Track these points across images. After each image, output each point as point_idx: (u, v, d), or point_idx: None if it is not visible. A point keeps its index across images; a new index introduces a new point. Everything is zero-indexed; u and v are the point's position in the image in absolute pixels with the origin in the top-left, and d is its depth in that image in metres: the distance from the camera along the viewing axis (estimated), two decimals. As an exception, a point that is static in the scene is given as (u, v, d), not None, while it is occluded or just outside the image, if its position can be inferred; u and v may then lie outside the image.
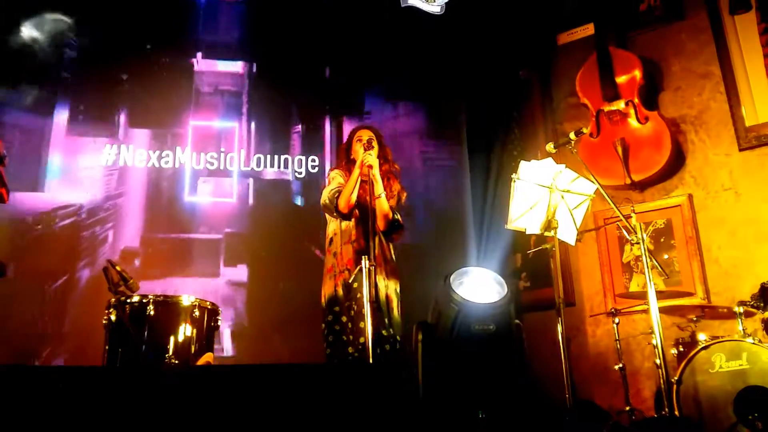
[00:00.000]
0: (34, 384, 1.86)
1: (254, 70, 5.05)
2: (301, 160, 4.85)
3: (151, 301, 3.01)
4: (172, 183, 4.67)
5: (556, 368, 3.15)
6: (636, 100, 4.40)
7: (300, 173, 4.83)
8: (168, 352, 2.94)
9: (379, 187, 3.25)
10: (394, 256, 3.40)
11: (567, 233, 3.24)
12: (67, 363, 4.02)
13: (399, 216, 3.41)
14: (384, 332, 3.13)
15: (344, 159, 3.53)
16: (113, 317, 3.02)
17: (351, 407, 1.97)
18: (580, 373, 4.23)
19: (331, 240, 3.37)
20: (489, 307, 2.80)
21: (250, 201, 4.76)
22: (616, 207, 3.14)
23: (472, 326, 2.75)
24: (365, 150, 3.27)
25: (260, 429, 1.90)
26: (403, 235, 3.46)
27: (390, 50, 4.97)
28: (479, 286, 2.94)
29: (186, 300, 3.09)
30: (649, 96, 4.52)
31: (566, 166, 3.26)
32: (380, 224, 3.30)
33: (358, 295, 3.05)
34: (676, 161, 4.35)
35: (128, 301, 3.02)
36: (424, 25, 4.86)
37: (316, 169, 4.84)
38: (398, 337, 3.20)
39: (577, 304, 4.49)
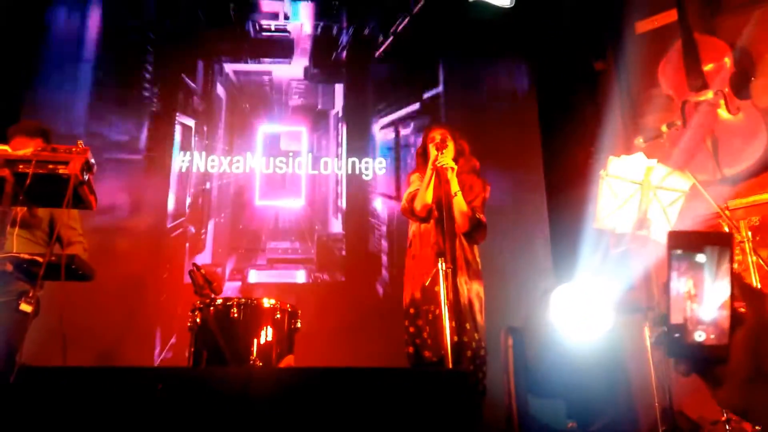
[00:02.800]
0: (127, 385, 1.92)
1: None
2: (368, 162, 4.86)
3: (235, 303, 3.08)
4: (244, 187, 4.79)
5: (644, 375, 3.01)
6: (726, 90, 4.13)
7: (367, 175, 4.83)
8: (252, 354, 3.01)
9: (454, 185, 3.18)
10: (478, 258, 3.32)
11: (660, 232, 3.08)
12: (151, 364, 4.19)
13: (482, 215, 3.31)
14: (465, 338, 3.06)
15: (421, 162, 3.49)
16: (198, 320, 3.11)
17: (429, 413, 1.96)
18: (667, 380, 4.02)
19: (411, 243, 3.36)
20: (592, 343, 2.65)
21: (321, 202, 4.82)
22: (716, 204, 2.96)
23: (570, 349, 2.63)
24: (438, 150, 3.23)
25: (341, 429, 1.91)
26: (485, 235, 3.35)
27: (459, 45, 4.91)
28: (582, 310, 2.78)
29: (267, 302, 3.14)
30: (741, 84, 4.23)
31: (657, 161, 3.11)
32: (461, 224, 3.21)
33: (437, 299, 3.01)
34: (772, 154, 4.07)
35: (213, 303, 3.10)
36: (494, 17, 4.77)
37: (383, 170, 4.84)
38: (483, 343, 3.12)
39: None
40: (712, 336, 0.75)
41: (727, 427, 3.21)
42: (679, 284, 0.77)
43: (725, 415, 3.21)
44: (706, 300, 0.76)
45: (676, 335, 0.76)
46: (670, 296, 0.77)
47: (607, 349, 2.79)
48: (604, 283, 2.96)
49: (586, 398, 2.75)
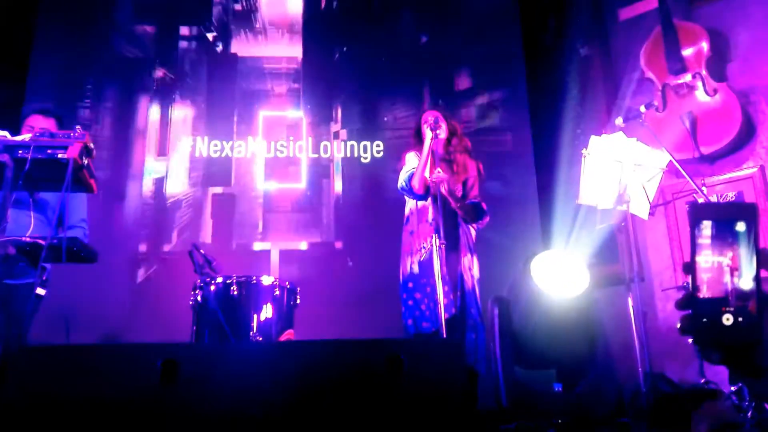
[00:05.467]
0: (128, 361, 1.91)
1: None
2: (367, 145, 4.85)
3: (234, 281, 3.07)
4: (246, 171, 4.77)
5: (625, 344, 3.04)
6: (703, 72, 4.16)
7: (366, 158, 4.82)
8: (252, 330, 3.01)
9: (457, 192, 3.25)
10: (474, 238, 3.35)
11: (639, 207, 3.10)
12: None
13: (483, 202, 3.35)
14: (470, 321, 3.10)
15: (416, 142, 3.50)
16: (199, 298, 3.10)
17: (427, 381, 1.95)
18: (649, 347, 4.07)
19: (408, 219, 3.38)
20: (571, 300, 2.67)
21: (321, 184, 4.80)
22: (692, 180, 2.98)
23: (552, 316, 2.64)
24: (432, 130, 3.25)
25: (339, 399, 1.90)
26: (487, 221, 3.38)
27: (447, 34, 4.89)
28: (561, 274, 2.80)
29: (266, 280, 3.14)
30: (717, 67, 4.26)
31: (636, 140, 3.12)
32: (470, 218, 3.31)
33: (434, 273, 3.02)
34: (747, 133, 4.11)
35: (213, 282, 3.09)
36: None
37: (381, 153, 4.83)
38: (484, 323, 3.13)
39: (645, 280, 4.32)
40: (740, 319, 0.68)
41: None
42: (716, 257, 0.69)
43: (703, 378, 3.26)
44: (745, 272, 0.68)
45: (704, 320, 0.68)
46: (700, 271, 0.69)
47: (590, 318, 2.81)
48: (580, 249, 2.96)
49: (570, 363, 2.77)
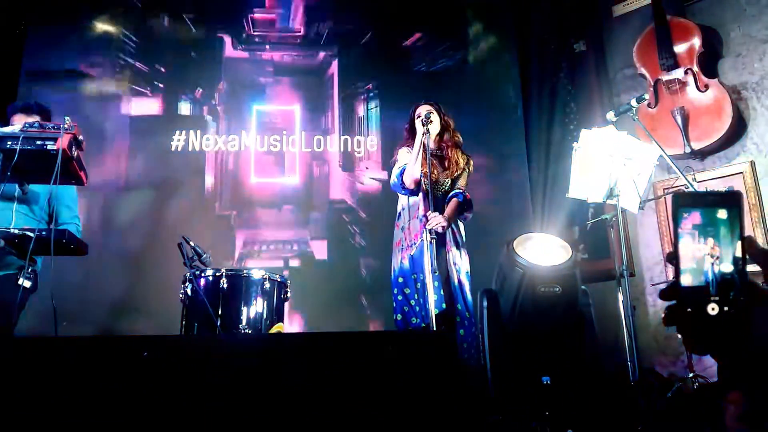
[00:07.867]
0: (120, 353, 1.90)
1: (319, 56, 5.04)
2: (360, 140, 4.83)
3: (224, 274, 3.04)
4: (238, 165, 4.75)
5: (615, 338, 3.03)
6: (695, 68, 4.15)
7: (359, 152, 4.80)
8: (241, 323, 2.98)
9: (450, 210, 3.25)
10: (463, 233, 3.33)
11: (630, 201, 3.09)
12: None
13: (467, 194, 3.35)
14: (457, 317, 3.09)
15: (408, 136, 3.48)
16: (189, 291, 3.06)
17: (416, 374, 1.94)
18: (640, 342, 4.07)
19: (400, 214, 3.37)
20: (554, 268, 2.66)
21: (314, 179, 4.78)
22: (683, 174, 2.96)
23: (538, 288, 2.62)
24: (423, 125, 3.22)
25: (328, 391, 1.89)
26: (472, 213, 3.38)
27: (442, 27, 4.87)
28: (543, 250, 2.79)
29: (257, 273, 3.11)
30: (709, 64, 4.25)
31: (627, 134, 3.11)
32: (459, 213, 3.30)
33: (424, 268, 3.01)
34: (738, 128, 4.09)
35: (203, 275, 3.06)
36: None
37: (375, 148, 4.81)
38: (473, 319, 3.11)
39: (636, 275, 4.32)
40: (726, 308, 0.65)
41: (695, 385, 3.26)
42: (698, 245, 0.67)
43: (691, 372, 3.26)
44: (728, 260, 0.66)
45: (689, 310, 0.66)
46: (682, 258, 0.67)
47: (577, 305, 2.80)
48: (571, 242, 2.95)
49: (559, 355, 2.76)
